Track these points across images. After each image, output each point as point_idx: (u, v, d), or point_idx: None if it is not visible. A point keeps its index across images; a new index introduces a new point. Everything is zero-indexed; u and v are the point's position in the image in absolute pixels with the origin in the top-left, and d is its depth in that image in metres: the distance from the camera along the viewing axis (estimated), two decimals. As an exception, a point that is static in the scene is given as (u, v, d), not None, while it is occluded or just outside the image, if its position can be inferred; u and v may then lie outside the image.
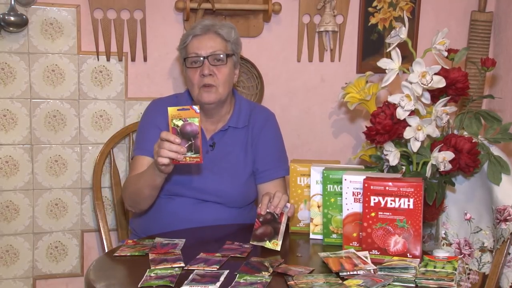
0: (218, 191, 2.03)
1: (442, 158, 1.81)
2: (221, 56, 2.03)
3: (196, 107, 1.69)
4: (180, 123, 1.70)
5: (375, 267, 1.54)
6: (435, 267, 1.57)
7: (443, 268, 1.56)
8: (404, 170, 1.90)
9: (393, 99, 1.84)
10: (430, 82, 1.81)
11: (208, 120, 2.11)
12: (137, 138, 2.15)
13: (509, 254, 1.88)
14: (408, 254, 1.63)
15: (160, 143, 1.73)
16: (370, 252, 1.65)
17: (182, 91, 2.38)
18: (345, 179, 1.73)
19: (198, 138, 1.70)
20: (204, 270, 1.56)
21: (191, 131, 1.70)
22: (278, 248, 1.75)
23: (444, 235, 2.04)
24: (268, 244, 1.76)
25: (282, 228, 1.79)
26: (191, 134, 1.70)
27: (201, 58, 2.02)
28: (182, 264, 1.60)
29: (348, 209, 1.74)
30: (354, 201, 1.73)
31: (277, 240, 1.76)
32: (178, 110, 1.69)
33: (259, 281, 1.48)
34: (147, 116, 2.15)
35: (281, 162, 2.17)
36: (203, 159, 1.74)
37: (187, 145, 1.70)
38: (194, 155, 1.70)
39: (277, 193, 1.84)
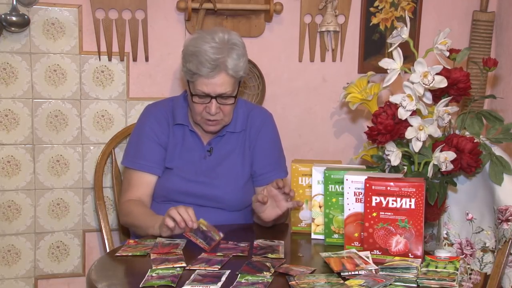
0: (216, 197, 2.02)
1: (444, 158, 1.81)
2: (230, 95, 1.98)
3: (221, 234, 1.83)
4: (205, 229, 1.83)
5: (376, 267, 1.54)
6: (436, 267, 1.57)
7: (444, 268, 1.56)
8: (405, 170, 1.90)
9: (395, 99, 1.84)
10: (432, 82, 1.81)
11: None
12: (132, 148, 2.13)
13: (511, 254, 1.88)
14: (409, 254, 1.63)
15: (182, 210, 1.78)
16: (371, 252, 1.65)
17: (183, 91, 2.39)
18: (347, 179, 1.73)
19: (213, 244, 1.79)
20: (205, 270, 1.57)
21: (209, 238, 1.81)
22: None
23: (445, 235, 2.04)
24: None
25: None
26: (209, 239, 1.81)
27: (209, 97, 1.96)
28: (184, 264, 1.60)
29: (349, 209, 1.74)
30: (356, 201, 1.73)
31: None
32: (208, 224, 1.84)
33: (260, 281, 1.48)
34: (144, 125, 2.12)
35: (279, 165, 2.16)
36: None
37: (203, 236, 1.81)
38: (205, 243, 1.79)
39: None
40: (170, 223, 1.76)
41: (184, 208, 1.77)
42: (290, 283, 1.48)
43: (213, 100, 1.96)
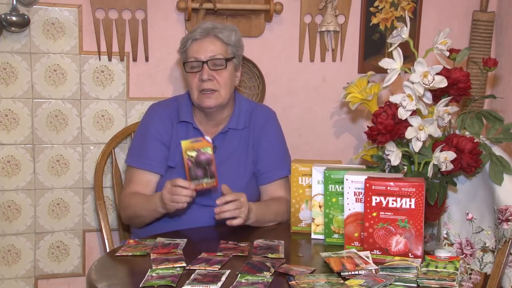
0: (219, 195, 2.02)
1: (444, 158, 1.81)
2: (221, 60, 2.02)
3: (208, 138, 1.85)
4: (194, 153, 1.84)
5: (376, 267, 1.54)
6: (436, 267, 1.57)
7: (444, 268, 1.56)
8: (405, 170, 1.90)
9: (395, 99, 1.84)
10: (432, 82, 1.81)
11: (208, 122, 2.11)
12: (135, 147, 2.14)
13: (511, 254, 1.88)
14: (409, 254, 1.63)
15: (173, 189, 1.83)
16: (371, 252, 1.65)
17: (184, 91, 2.39)
18: (347, 179, 1.73)
19: (212, 164, 1.84)
20: (205, 270, 1.57)
21: (205, 159, 1.84)
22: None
23: (445, 235, 2.04)
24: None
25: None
26: (206, 162, 1.85)
27: (200, 63, 2.01)
28: (184, 264, 1.60)
29: (349, 209, 1.74)
30: (356, 201, 1.73)
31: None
32: (191, 142, 1.84)
33: (260, 281, 1.48)
34: (148, 125, 2.13)
35: (283, 162, 2.16)
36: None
37: (202, 172, 1.85)
38: (210, 180, 1.85)
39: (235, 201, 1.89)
40: (183, 205, 1.86)
41: (177, 190, 1.84)
42: (290, 283, 1.48)
43: (205, 65, 2.01)
